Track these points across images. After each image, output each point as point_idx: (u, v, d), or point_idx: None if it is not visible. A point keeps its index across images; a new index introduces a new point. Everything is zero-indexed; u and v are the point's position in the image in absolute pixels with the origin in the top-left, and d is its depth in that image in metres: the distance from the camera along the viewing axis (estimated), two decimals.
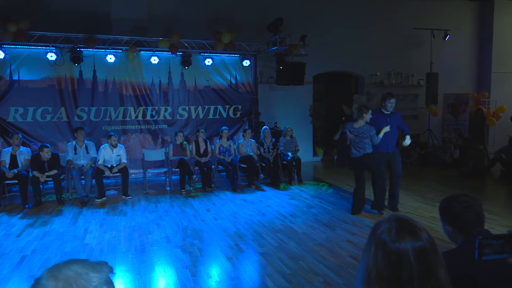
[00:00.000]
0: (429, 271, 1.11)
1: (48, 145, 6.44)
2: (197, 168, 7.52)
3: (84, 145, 6.81)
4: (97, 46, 7.74)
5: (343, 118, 10.42)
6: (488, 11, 12.21)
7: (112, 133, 7.02)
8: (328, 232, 4.81)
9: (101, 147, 6.90)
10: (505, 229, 4.82)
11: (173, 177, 7.71)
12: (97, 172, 6.60)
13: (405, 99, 11.36)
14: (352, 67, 11.15)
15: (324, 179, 8.37)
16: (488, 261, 1.58)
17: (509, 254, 1.30)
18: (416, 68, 11.53)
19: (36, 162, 6.24)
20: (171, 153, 7.49)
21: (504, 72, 12.23)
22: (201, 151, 7.58)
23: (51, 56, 7.50)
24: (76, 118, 7.97)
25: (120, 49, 8.04)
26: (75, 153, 6.72)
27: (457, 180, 8.13)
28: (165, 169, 7.67)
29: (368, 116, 5.36)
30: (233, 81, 9.10)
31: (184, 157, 7.37)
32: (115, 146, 6.86)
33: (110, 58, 7.90)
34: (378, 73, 11.25)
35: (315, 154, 11.11)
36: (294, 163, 7.95)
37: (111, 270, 1.03)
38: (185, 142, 7.62)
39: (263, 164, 8.04)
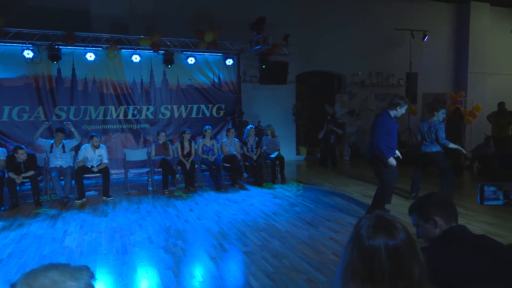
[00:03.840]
0: (401, 270, 1.13)
1: (23, 146, 6.25)
2: (180, 167, 7.46)
3: (61, 144, 6.64)
4: (76, 44, 7.57)
5: (328, 117, 10.54)
6: (465, 13, 12.54)
7: (94, 134, 6.89)
8: (311, 230, 4.85)
9: (82, 147, 6.75)
10: (481, 224, 4.96)
11: (156, 177, 7.63)
12: (77, 173, 6.46)
13: (386, 99, 11.53)
14: (334, 67, 11.27)
15: (306, 179, 8.43)
16: (464, 257, 1.63)
17: (505, 201, 1.38)
18: (396, 68, 11.74)
19: (11, 163, 6.06)
20: (153, 152, 7.40)
21: (480, 72, 12.59)
22: (185, 152, 7.51)
23: (28, 54, 7.30)
24: (54, 118, 7.77)
25: (100, 47, 7.88)
26: (51, 151, 6.56)
27: (436, 178, 8.30)
28: (147, 169, 7.58)
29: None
30: (216, 80, 9.06)
31: (167, 157, 7.30)
32: (97, 147, 6.73)
33: (90, 56, 7.74)
34: (359, 73, 11.40)
35: (298, 153, 11.18)
36: (277, 162, 7.98)
37: (91, 276, 1.00)
38: (168, 142, 7.55)
39: (247, 163, 8.04)
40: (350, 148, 11.08)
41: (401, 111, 5.04)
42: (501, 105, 9.21)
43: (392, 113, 5.05)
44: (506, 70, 13.33)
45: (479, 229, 4.70)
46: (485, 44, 12.61)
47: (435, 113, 6.11)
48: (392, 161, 4.94)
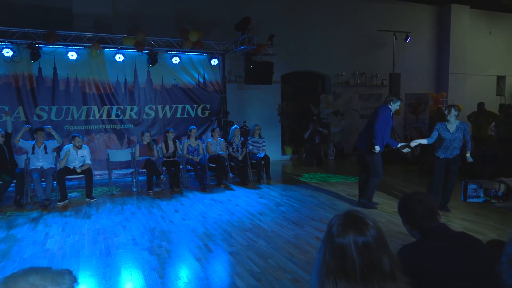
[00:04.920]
0: (372, 264, 1.16)
1: None
2: (164, 168, 7.39)
3: (43, 145, 6.50)
4: (57, 43, 7.42)
5: (314, 117, 10.61)
6: (445, 15, 12.81)
7: (76, 134, 6.75)
8: (296, 230, 4.87)
9: (64, 147, 6.62)
10: (462, 222, 5.08)
11: (140, 178, 7.54)
12: (59, 174, 6.33)
13: (370, 99, 11.71)
14: (318, 67, 11.36)
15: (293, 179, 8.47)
16: (444, 256, 1.67)
17: (485, 198, 1.42)
18: (380, 68, 11.91)
19: None
20: (137, 153, 7.32)
21: (461, 73, 12.89)
22: (170, 152, 7.45)
23: (7, 52, 7.11)
24: (35, 118, 7.61)
25: (83, 46, 7.75)
26: (33, 153, 6.41)
27: (418, 176, 8.47)
28: (131, 170, 7.49)
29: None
30: (201, 80, 9.02)
31: (151, 158, 7.23)
32: (79, 148, 6.60)
33: (72, 55, 7.60)
34: (343, 73, 11.52)
35: (283, 153, 11.22)
36: (263, 162, 8.00)
37: (74, 280, 0.97)
38: (152, 142, 7.47)
39: (232, 164, 8.03)
40: (334, 148, 11.19)
41: (394, 106, 5.50)
42: (480, 105, 9.44)
43: (391, 107, 5.53)
44: (485, 71, 13.68)
45: (460, 226, 4.81)
46: (465, 45, 12.90)
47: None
48: (377, 147, 5.41)
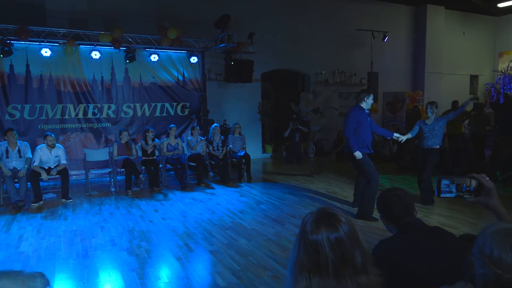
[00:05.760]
0: (344, 259, 1.18)
1: None
2: (143, 167, 7.28)
3: (17, 147, 6.27)
4: (30, 39, 7.18)
5: (294, 116, 10.66)
6: (421, 15, 13.11)
7: (48, 133, 6.52)
8: (277, 227, 4.89)
9: (37, 147, 6.40)
10: (438, 217, 5.22)
11: (119, 177, 7.41)
12: (33, 175, 6.13)
13: (349, 97, 11.87)
14: (298, 66, 11.42)
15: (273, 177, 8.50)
16: (418, 250, 1.72)
17: (457, 194, 1.47)
18: (358, 67, 12.08)
19: None
20: (115, 152, 7.18)
21: (436, 72, 13.23)
22: (149, 151, 7.34)
23: None
24: (7, 117, 7.35)
25: (57, 42, 7.53)
26: (7, 157, 6.18)
27: (396, 173, 8.65)
28: (109, 170, 7.34)
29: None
30: (180, 78, 8.92)
31: (130, 157, 7.10)
32: (52, 147, 6.40)
33: (46, 52, 7.37)
34: (323, 72, 11.63)
35: (264, 151, 11.24)
36: (243, 160, 7.99)
37: (46, 283, 0.94)
38: (131, 141, 7.35)
39: (213, 162, 7.99)
40: (314, 146, 11.29)
41: (369, 101, 5.21)
42: (454, 103, 9.71)
43: (363, 105, 5.21)
44: (459, 71, 14.10)
45: (435, 221, 4.95)
46: (440, 45, 13.25)
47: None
48: (358, 154, 5.06)
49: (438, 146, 5.81)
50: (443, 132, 5.90)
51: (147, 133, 7.43)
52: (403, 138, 5.60)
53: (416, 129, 5.90)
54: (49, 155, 6.38)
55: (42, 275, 0.96)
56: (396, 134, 5.58)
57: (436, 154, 5.80)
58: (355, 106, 5.29)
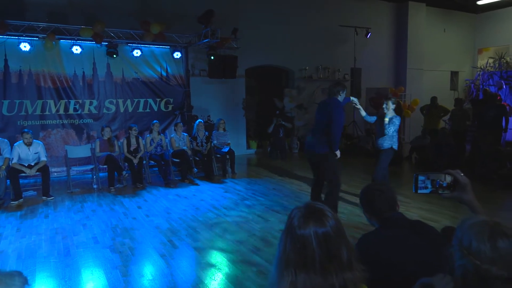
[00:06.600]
0: (330, 254, 1.20)
1: None
2: (126, 164, 7.20)
3: None
4: (8, 33, 6.98)
5: (277, 112, 10.69)
6: (403, 12, 13.29)
7: (25, 130, 6.33)
8: (261, 223, 4.92)
9: (15, 144, 6.22)
10: (419, 211, 5.33)
11: (101, 174, 7.29)
12: (12, 172, 5.98)
13: None
14: (282, 62, 11.44)
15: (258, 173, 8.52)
16: (399, 243, 1.75)
17: (432, 189, 1.51)
18: (342, 63, 12.17)
19: None
20: (97, 149, 7.07)
21: (417, 68, 13.45)
22: (132, 149, 7.25)
23: None
24: None
25: (36, 36, 7.34)
26: None
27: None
28: (91, 166, 7.22)
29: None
30: (163, 73, 8.82)
31: (113, 153, 7.01)
32: (29, 144, 6.23)
33: (25, 47, 7.18)
34: (307, 68, 11.68)
35: (248, 147, 11.25)
36: (227, 156, 7.98)
37: (25, 281, 0.93)
38: (113, 138, 7.24)
39: (197, 158, 7.95)
40: (299, 141, 11.35)
41: (343, 96, 4.88)
42: (433, 99, 9.89)
43: (339, 99, 4.85)
44: (440, 67, 14.36)
45: (417, 215, 5.05)
46: (421, 42, 13.47)
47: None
48: (338, 152, 4.84)
49: (387, 148, 5.57)
50: (394, 136, 5.59)
51: (130, 131, 7.32)
52: (360, 108, 5.46)
53: (374, 118, 5.98)
54: (27, 152, 6.21)
55: (20, 273, 0.95)
56: (375, 118, 5.73)
57: (387, 156, 5.60)
58: (337, 101, 4.80)
